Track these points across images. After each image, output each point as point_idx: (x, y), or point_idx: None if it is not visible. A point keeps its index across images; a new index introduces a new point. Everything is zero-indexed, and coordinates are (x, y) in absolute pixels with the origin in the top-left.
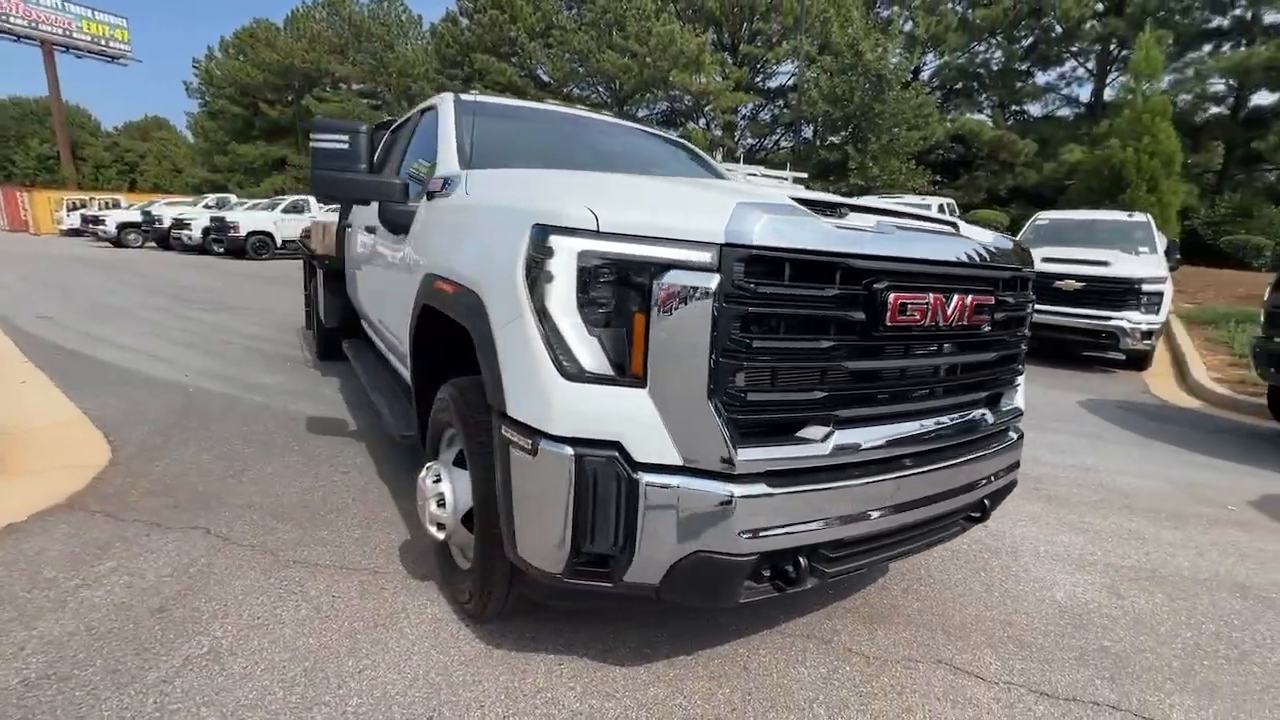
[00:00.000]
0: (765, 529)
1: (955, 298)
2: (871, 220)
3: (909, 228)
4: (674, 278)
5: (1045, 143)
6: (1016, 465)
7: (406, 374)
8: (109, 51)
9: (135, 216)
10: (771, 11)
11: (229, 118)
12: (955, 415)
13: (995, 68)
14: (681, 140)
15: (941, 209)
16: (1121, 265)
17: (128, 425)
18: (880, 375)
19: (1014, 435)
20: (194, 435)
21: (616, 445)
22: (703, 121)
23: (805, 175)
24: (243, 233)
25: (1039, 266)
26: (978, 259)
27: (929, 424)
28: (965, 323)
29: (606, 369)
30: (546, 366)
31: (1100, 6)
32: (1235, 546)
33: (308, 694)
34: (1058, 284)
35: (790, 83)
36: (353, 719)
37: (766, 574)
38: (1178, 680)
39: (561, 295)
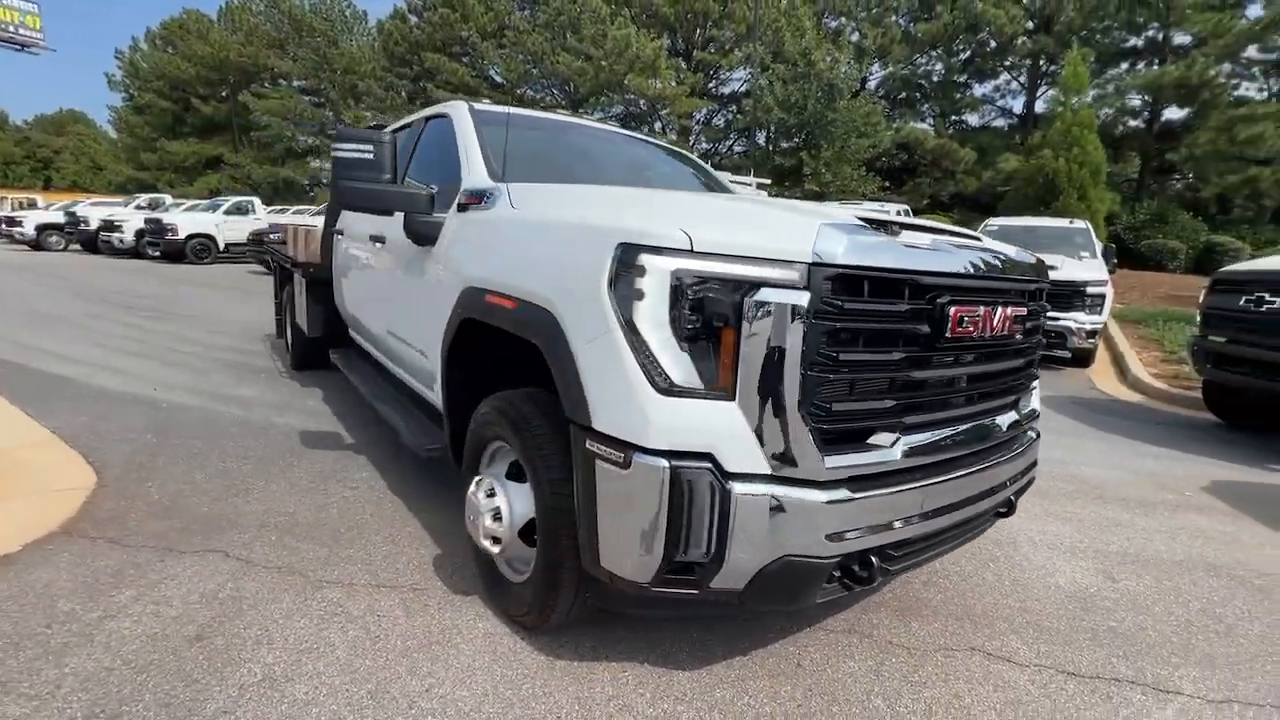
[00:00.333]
0: (847, 532)
1: (999, 309)
2: (926, 238)
3: (959, 245)
4: (766, 295)
5: (983, 151)
6: (1035, 463)
7: (421, 387)
8: (18, 39)
9: (57, 217)
10: (725, 19)
11: (157, 113)
12: (994, 418)
13: (936, 79)
14: (685, 153)
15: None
16: (1068, 269)
17: (105, 444)
18: (939, 384)
19: (1033, 435)
20: (180, 453)
21: (709, 456)
22: (658, 125)
23: (768, 181)
24: (182, 235)
25: None
26: (1015, 273)
27: (974, 427)
28: (1004, 332)
29: (697, 383)
30: (640, 381)
31: (1030, 25)
32: (1200, 530)
33: (381, 716)
34: None
35: (744, 89)
36: None
37: (837, 574)
38: (1180, 654)
39: (653, 312)
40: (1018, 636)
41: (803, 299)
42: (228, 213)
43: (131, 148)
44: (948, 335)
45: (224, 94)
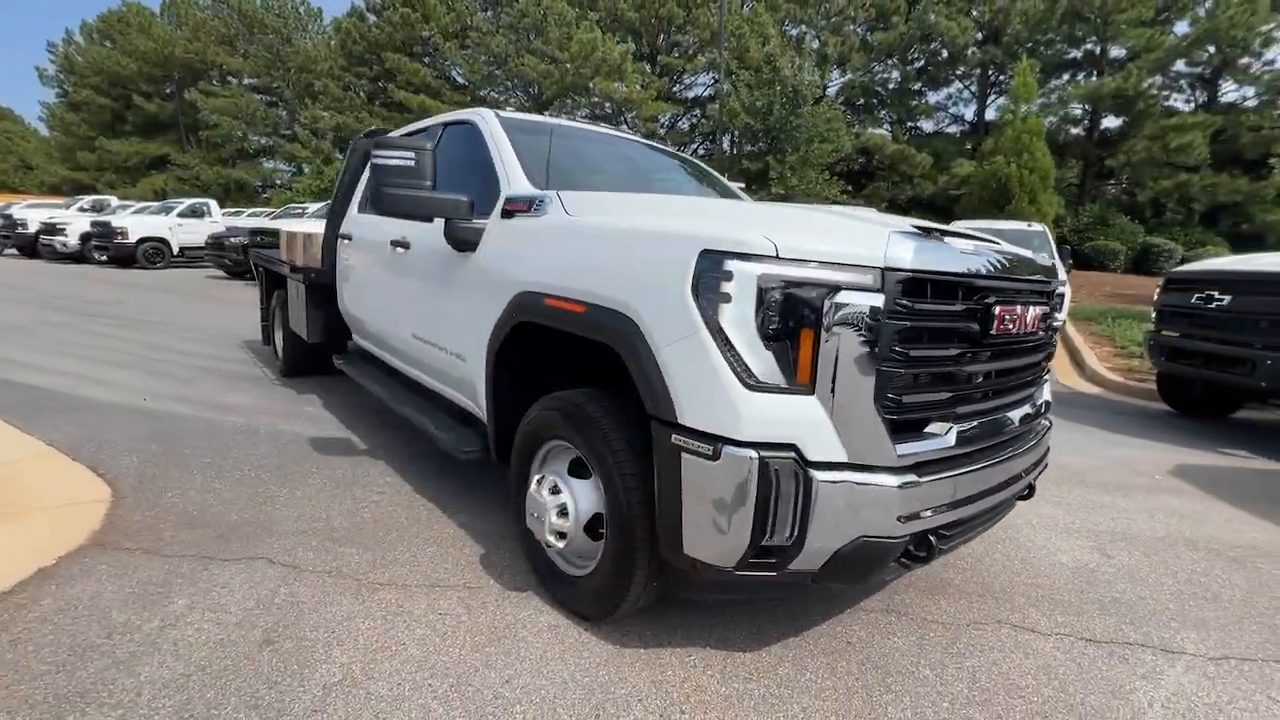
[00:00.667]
0: (916, 513)
1: (1030, 309)
2: (970, 244)
3: (994, 250)
4: (844, 297)
5: (938, 156)
6: (1049, 450)
7: (451, 390)
8: None
9: None
10: (689, 24)
11: (94, 110)
12: (1021, 408)
13: (892, 87)
14: (697, 161)
15: None
16: None
17: (109, 456)
18: (984, 377)
19: (1046, 424)
20: (192, 463)
21: (793, 447)
22: (625, 128)
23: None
24: (132, 239)
25: None
26: (1039, 274)
27: (1007, 416)
28: (1033, 329)
29: (780, 379)
30: (729, 379)
31: (980, 36)
32: (1174, 509)
33: (470, 708)
34: None
35: (708, 94)
36: None
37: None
38: (1178, 619)
39: (739, 314)
40: (1035, 609)
41: (878, 300)
42: (182, 215)
43: (67, 146)
44: (993, 332)
45: (169, 91)
